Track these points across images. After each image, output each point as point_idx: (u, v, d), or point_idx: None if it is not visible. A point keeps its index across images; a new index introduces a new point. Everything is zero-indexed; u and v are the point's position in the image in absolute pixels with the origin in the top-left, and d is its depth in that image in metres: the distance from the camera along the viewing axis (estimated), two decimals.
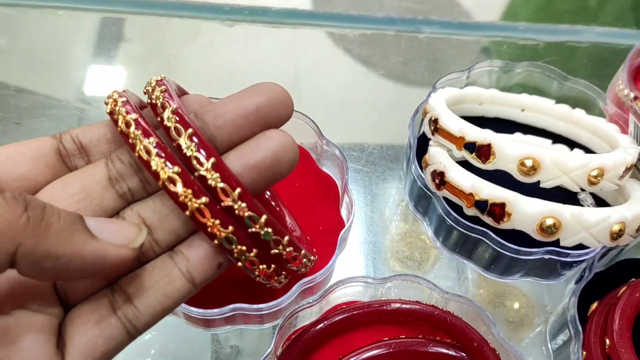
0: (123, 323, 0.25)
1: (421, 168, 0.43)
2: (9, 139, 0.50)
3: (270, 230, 0.27)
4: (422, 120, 0.45)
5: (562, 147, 0.46)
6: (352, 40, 0.59)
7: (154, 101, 0.27)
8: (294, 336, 0.37)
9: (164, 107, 0.26)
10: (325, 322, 0.37)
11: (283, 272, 0.30)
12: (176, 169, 0.25)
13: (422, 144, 0.44)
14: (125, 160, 0.27)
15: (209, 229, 0.26)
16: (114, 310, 0.25)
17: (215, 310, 0.36)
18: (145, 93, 0.28)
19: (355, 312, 0.38)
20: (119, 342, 0.25)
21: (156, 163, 0.25)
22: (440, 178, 0.40)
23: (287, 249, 0.28)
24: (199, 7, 0.59)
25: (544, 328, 0.43)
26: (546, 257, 0.39)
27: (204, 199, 0.25)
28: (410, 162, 0.44)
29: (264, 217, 0.26)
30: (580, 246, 0.38)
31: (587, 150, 0.46)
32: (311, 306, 0.38)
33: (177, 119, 0.26)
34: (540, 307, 0.45)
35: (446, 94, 0.45)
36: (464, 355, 0.36)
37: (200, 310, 0.35)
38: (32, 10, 0.57)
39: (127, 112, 0.26)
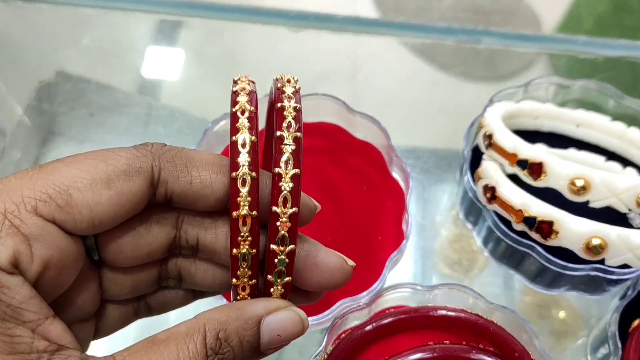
0: None
1: (474, 180, 0.44)
2: (84, 131, 0.54)
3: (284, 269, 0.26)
4: (477, 132, 0.47)
5: (614, 165, 0.47)
6: (413, 49, 0.61)
7: (283, 88, 0.26)
8: (343, 335, 0.39)
9: (290, 99, 0.26)
10: (374, 323, 0.39)
11: None
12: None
13: (477, 154, 0.46)
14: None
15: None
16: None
17: None
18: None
19: (402, 316, 0.40)
20: None
21: (244, 172, 0.24)
22: (491, 193, 0.41)
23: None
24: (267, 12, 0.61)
25: (586, 340, 0.44)
26: (592, 274, 0.40)
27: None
28: (463, 173, 0.45)
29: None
30: (626, 265, 0.39)
31: None
32: (361, 309, 0.40)
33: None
34: (585, 318, 0.46)
35: (502, 108, 0.46)
36: None
37: None
38: (114, 12, 0.60)
39: (249, 104, 0.25)
